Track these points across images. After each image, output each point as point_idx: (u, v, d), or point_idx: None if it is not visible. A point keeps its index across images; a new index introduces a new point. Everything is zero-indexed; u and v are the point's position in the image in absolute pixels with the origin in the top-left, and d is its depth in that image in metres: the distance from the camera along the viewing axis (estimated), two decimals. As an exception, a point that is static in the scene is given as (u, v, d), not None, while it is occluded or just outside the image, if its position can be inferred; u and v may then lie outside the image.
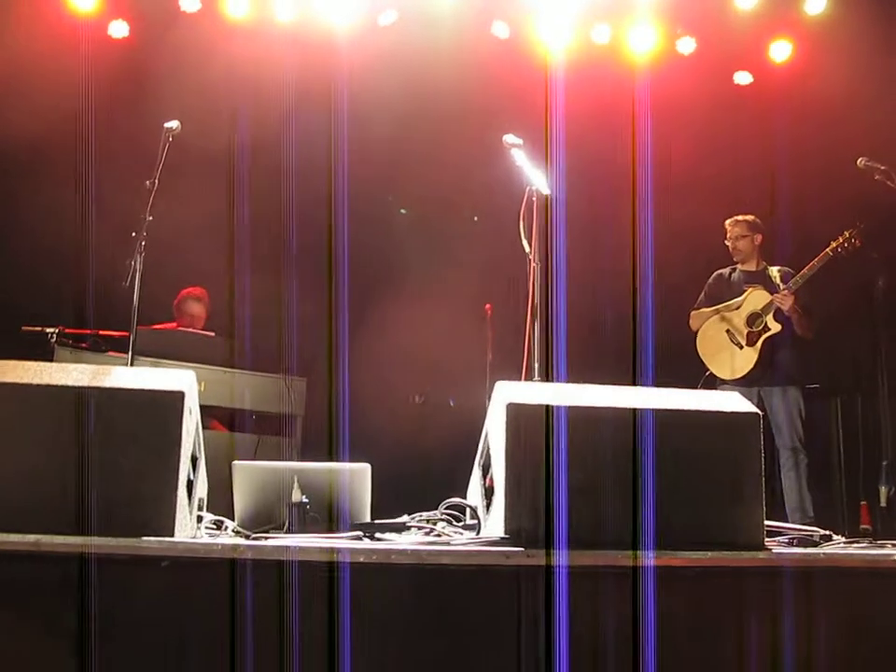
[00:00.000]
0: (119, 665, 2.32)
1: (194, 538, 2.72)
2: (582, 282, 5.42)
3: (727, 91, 6.72)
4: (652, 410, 2.67)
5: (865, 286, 5.22)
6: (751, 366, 5.41)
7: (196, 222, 5.70)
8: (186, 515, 2.65)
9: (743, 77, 6.78)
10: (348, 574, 2.36)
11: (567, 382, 3.62)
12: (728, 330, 5.54)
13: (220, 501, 3.10)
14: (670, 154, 6.19)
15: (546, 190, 4.00)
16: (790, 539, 2.98)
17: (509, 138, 4.20)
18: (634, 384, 5.20)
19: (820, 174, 5.94)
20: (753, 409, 2.78)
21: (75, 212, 5.95)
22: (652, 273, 5.80)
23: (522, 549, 2.48)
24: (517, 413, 2.61)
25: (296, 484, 2.85)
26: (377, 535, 2.78)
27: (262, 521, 2.86)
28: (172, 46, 6.09)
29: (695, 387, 5.23)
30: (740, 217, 5.69)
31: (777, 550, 2.74)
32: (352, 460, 3.13)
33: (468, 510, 3.03)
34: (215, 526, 2.95)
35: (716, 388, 5.38)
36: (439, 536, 2.83)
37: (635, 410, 2.66)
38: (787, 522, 4.21)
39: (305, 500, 2.83)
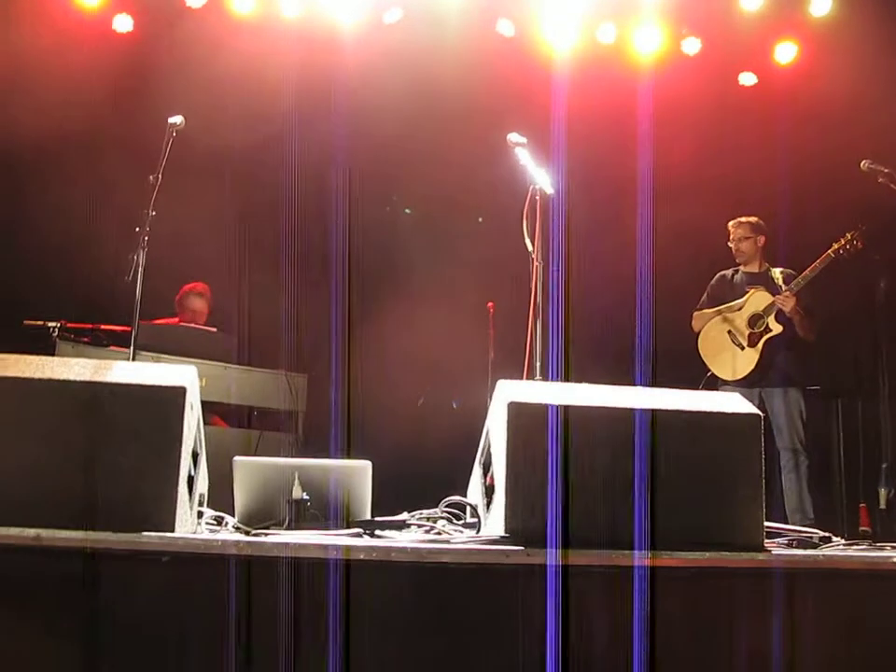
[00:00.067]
0: (118, 659, 2.32)
1: (195, 533, 2.72)
2: (585, 282, 5.43)
3: (732, 93, 6.72)
4: (653, 410, 2.67)
5: (867, 288, 5.22)
6: (752, 367, 5.41)
7: (199, 218, 5.70)
8: (186, 511, 2.65)
9: (748, 79, 6.78)
10: (348, 571, 2.36)
11: (569, 381, 3.62)
12: (730, 331, 5.54)
13: (221, 497, 3.10)
14: (674, 154, 6.18)
15: (550, 190, 4.00)
16: (789, 540, 2.99)
17: (513, 137, 4.20)
18: (635, 384, 5.20)
19: (824, 176, 5.94)
20: (754, 410, 2.79)
21: (78, 207, 5.96)
22: (655, 273, 5.80)
23: (522, 548, 2.48)
24: (518, 412, 2.62)
25: (296, 481, 2.85)
26: (377, 532, 2.78)
27: (263, 517, 2.86)
28: (176, 41, 6.09)
29: (697, 388, 5.23)
30: (743, 219, 5.69)
31: (776, 551, 2.74)
32: (353, 457, 3.12)
33: (468, 508, 3.03)
34: (215, 522, 2.95)
35: (717, 389, 5.38)
36: (439, 534, 2.83)
37: (636, 410, 2.66)
38: (787, 523, 4.22)
39: (306, 497, 2.83)
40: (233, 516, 2.95)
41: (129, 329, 4.35)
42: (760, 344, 5.42)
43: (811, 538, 3.03)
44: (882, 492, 5.05)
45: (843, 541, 3.11)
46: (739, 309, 5.54)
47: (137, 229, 4.25)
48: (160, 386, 2.57)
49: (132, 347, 4.27)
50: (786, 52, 6.60)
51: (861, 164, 4.71)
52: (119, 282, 4.25)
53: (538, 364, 3.79)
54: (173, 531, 2.48)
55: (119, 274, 4.25)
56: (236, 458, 3.00)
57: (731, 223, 5.73)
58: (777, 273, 5.54)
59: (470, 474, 3.16)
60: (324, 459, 3.23)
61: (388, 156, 6.50)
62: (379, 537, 2.75)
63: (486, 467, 2.93)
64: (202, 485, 2.97)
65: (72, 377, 2.55)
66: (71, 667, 2.32)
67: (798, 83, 6.52)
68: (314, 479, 2.91)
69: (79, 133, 5.95)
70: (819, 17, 6.41)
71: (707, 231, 5.96)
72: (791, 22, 6.52)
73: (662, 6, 6.41)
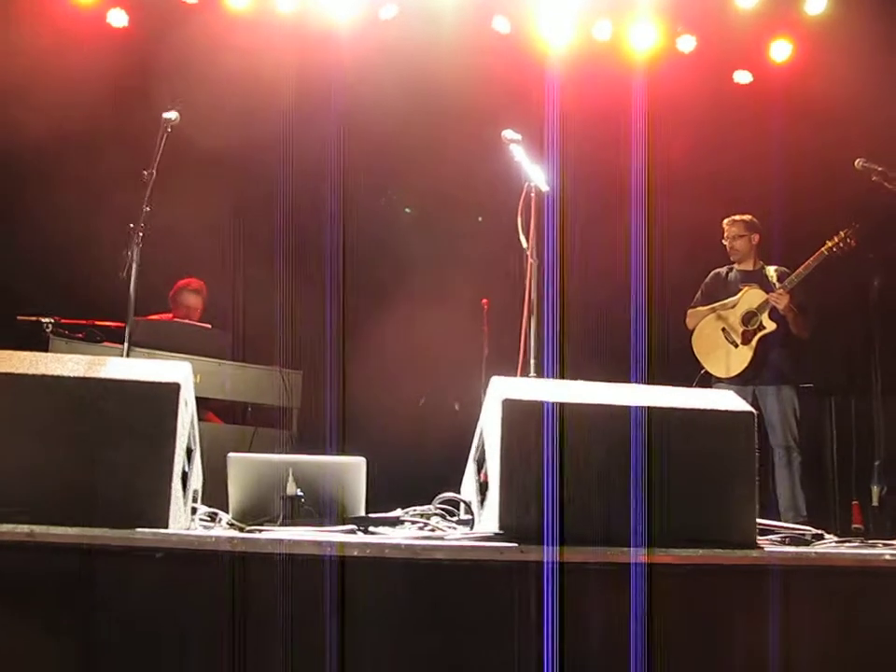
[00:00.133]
0: (112, 655, 2.32)
1: (188, 530, 2.72)
2: (579, 278, 5.44)
3: (727, 90, 6.73)
4: (647, 408, 2.67)
5: (860, 286, 5.23)
6: (746, 364, 5.42)
7: (193, 213, 5.69)
8: (180, 507, 2.65)
9: (743, 77, 6.78)
10: (342, 568, 2.36)
11: (563, 378, 3.63)
12: (724, 329, 5.55)
13: (215, 494, 3.10)
14: (668, 152, 6.19)
15: (545, 186, 4.00)
16: (782, 537, 2.99)
17: (508, 134, 4.20)
18: (629, 381, 5.21)
19: (818, 174, 5.95)
20: (747, 408, 2.79)
21: (73, 204, 5.94)
22: (649, 271, 5.80)
23: (516, 544, 2.48)
24: (513, 409, 2.62)
25: (290, 477, 2.85)
26: (371, 529, 2.78)
27: (257, 514, 2.86)
28: (171, 36, 6.07)
29: (691, 386, 5.24)
30: (737, 217, 5.70)
31: (769, 548, 2.75)
32: (347, 454, 3.12)
33: (462, 505, 3.03)
34: (209, 518, 2.95)
35: (711, 387, 5.39)
36: (433, 531, 2.84)
37: (629, 407, 2.66)
38: (780, 520, 4.23)
39: (300, 493, 2.83)
40: (227, 513, 2.95)
41: (123, 325, 4.35)
42: (753, 342, 5.43)
43: (804, 535, 3.04)
44: (875, 489, 5.06)
45: (835, 538, 3.12)
46: (733, 307, 5.55)
47: (132, 225, 4.24)
48: (154, 383, 2.56)
49: (126, 343, 4.26)
50: (781, 50, 6.61)
51: (856, 163, 4.72)
52: (113, 278, 4.24)
53: (532, 361, 3.79)
54: (167, 527, 2.47)
55: (114, 270, 4.24)
56: (230, 455, 3.00)
57: (725, 221, 5.74)
58: (771, 270, 5.55)
59: (464, 471, 3.16)
60: (318, 456, 3.23)
61: (383, 152, 6.49)
62: (373, 533, 2.75)
63: (480, 463, 2.93)
64: (196, 482, 2.97)
65: (66, 373, 2.55)
66: (65, 663, 2.32)
67: (793, 81, 6.52)
68: (308, 475, 2.91)
69: (75, 129, 5.93)
70: (814, 15, 6.42)
71: (702, 229, 5.97)
72: (786, 20, 6.53)
73: (657, 3, 6.41)
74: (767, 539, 2.94)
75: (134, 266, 4.22)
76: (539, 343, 3.82)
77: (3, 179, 6.15)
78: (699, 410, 2.76)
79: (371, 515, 2.89)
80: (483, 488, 2.86)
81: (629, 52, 6.60)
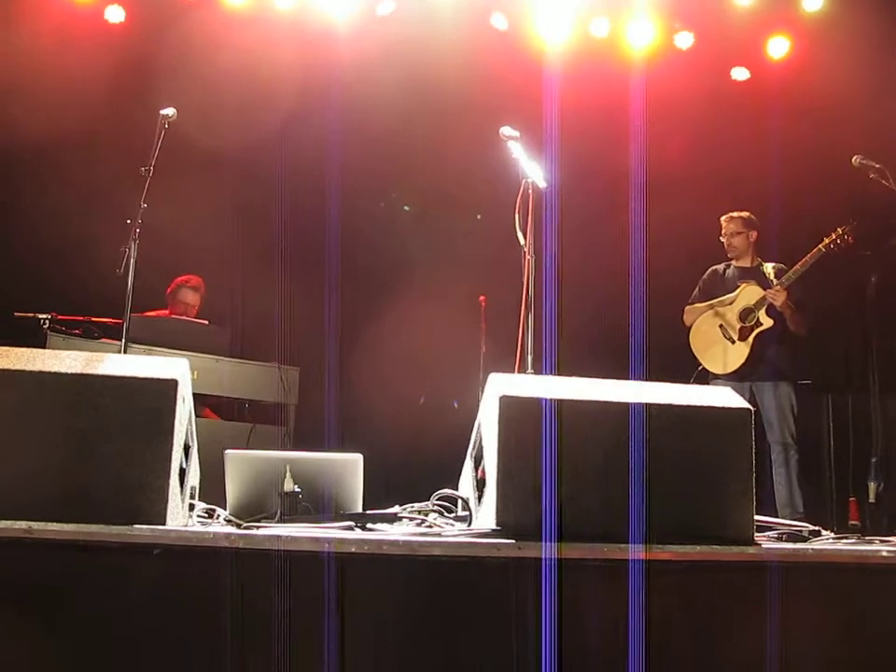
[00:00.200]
0: (109, 652, 2.32)
1: (186, 526, 2.72)
2: (577, 275, 5.43)
3: (724, 87, 6.73)
4: (645, 404, 2.67)
5: (858, 283, 5.24)
6: (743, 361, 5.42)
7: (191, 210, 5.68)
8: (178, 503, 2.65)
9: (740, 73, 6.79)
10: (339, 564, 2.37)
11: (561, 375, 3.63)
12: (721, 325, 5.55)
13: (213, 490, 3.10)
14: (666, 149, 6.19)
15: (542, 183, 4.00)
16: (779, 534, 3.00)
17: (505, 130, 4.19)
18: (627, 378, 5.21)
19: (816, 171, 5.96)
20: (745, 404, 2.79)
21: (71, 201, 5.93)
22: (647, 267, 5.80)
23: (513, 541, 2.48)
24: (510, 406, 2.62)
25: (288, 474, 2.86)
26: (369, 525, 2.79)
27: (254, 510, 2.86)
28: (168, 34, 6.06)
29: (688, 382, 5.25)
30: (735, 214, 5.70)
31: (766, 545, 2.75)
32: (345, 450, 3.12)
33: (459, 501, 3.03)
34: (206, 515, 2.95)
35: (708, 383, 5.40)
36: (430, 527, 2.84)
37: (627, 404, 2.67)
38: (777, 517, 4.23)
39: (297, 490, 2.84)
40: (225, 509, 2.95)
41: (120, 321, 4.34)
42: (751, 338, 5.44)
43: (801, 531, 3.04)
44: (871, 486, 5.08)
45: (832, 535, 3.12)
46: (731, 303, 5.55)
47: (129, 221, 4.24)
48: (151, 379, 2.56)
49: (123, 340, 4.26)
50: (778, 47, 6.61)
51: (853, 160, 4.72)
52: (110, 274, 4.24)
53: (529, 358, 3.79)
54: (164, 524, 2.47)
55: (111, 267, 4.24)
56: (228, 451, 3.00)
57: (723, 218, 5.74)
58: (768, 267, 5.55)
59: (462, 468, 3.16)
60: (315, 452, 3.23)
61: (381, 148, 6.49)
62: (370, 530, 2.75)
63: (478, 460, 2.94)
64: (193, 478, 2.97)
65: (63, 370, 2.55)
66: (62, 660, 2.32)
67: (790, 78, 6.53)
68: (305, 472, 2.91)
69: (72, 127, 5.92)
70: (812, 12, 6.42)
71: (699, 226, 5.97)
72: (784, 17, 6.53)
73: (655, 0, 6.41)
74: (765, 536, 2.94)
75: (132, 262, 4.21)
76: (536, 339, 3.82)
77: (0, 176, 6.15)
78: (697, 406, 2.76)
79: (368, 512, 2.89)
80: (480, 485, 2.86)
81: (627, 49, 6.61)
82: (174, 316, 5.75)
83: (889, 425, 5.20)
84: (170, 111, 4.34)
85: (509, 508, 2.56)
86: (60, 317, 5.20)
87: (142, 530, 2.40)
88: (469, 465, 3.06)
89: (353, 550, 2.40)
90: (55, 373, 2.53)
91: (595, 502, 2.60)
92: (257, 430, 5.24)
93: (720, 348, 5.52)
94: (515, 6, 6.49)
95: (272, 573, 2.35)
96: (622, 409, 2.66)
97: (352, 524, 2.76)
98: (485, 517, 2.68)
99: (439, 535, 2.66)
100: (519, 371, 3.82)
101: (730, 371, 5.45)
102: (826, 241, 5.32)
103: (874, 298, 5.13)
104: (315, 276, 6.32)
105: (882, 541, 3.04)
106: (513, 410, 2.62)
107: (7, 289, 5.77)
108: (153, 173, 4.25)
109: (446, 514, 3.03)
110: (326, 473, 2.97)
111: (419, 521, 2.90)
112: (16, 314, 5.24)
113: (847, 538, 3.10)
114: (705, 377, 5.53)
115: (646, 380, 3.08)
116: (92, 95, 5.90)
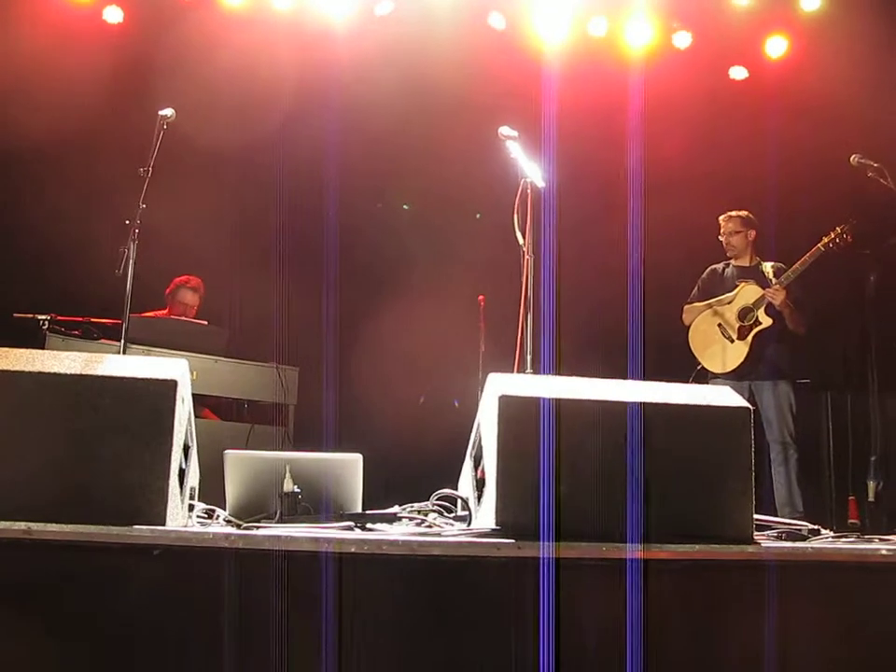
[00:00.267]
0: (109, 652, 2.32)
1: (186, 526, 2.72)
2: (576, 275, 5.43)
3: (722, 87, 6.73)
4: (644, 403, 2.68)
5: (857, 282, 5.24)
6: (742, 360, 5.43)
7: (190, 210, 5.68)
8: (177, 504, 2.65)
9: (738, 73, 6.79)
10: (339, 564, 2.37)
11: (560, 375, 3.63)
12: (720, 325, 5.55)
13: (212, 490, 3.10)
14: (664, 148, 6.19)
15: (541, 183, 4.00)
16: (778, 533, 3.00)
17: (504, 130, 4.19)
18: (626, 377, 5.22)
19: (814, 170, 5.96)
20: (744, 403, 2.80)
21: (69, 200, 5.93)
22: (646, 267, 5.81)
23: (512, 541, 2.48)
24: (510, 405, 2.62)
25: (287, 474, 2.86)
26: (368, 525, 2.79)
27: (254, 510, 2.86)
28: (166, 34, 6.06)
29: (687, 381, 5.25)
30: (734, 213, 5.70)
31: (765, 544, 2.75)
32: (345, 450, 3.13)
33: (459, 501, 3.04)
34: (206, 515, 2.95)
35: (707, 382, 5.40)
36: (430, 527, 2.84)
37: (626, 403, 2.67)
38: (776, 516, 4.23)
39: (297, 490, 2.84)
40: (224, 509, 2.96)
41: (119, 322, 4.34)
42: (750, 337, 5.44)
43: (800, 530, 3.04)
44: (871, 484, 5.08)
45: (832, 534, 3.12)
46: (729, 302, 5.56)
47: (128, 221, 4.24)
48: (150, 380, 2.56)
49: (122, 340, 4.26)
50: (777, 47, 6.61)
51: (852, 159, 4.72)
52: (109, 275, 4.24)
53: (528, 357, 3.79)
54: (164, 524, 2.47)
55: (110, 267, 4.23)
56: (227, 451, 3.00)
57: (721, 217, 5.74)
58: (767, 266, 5.55)
59: (461, 467, 3.17)
60: (315, 452, 3.23)
61: (380, 148, 6.49)
62: (370, 530, 2.76)
63: (477, 460, 2.94)
64: (193, 479, 2.97)
65: (62, 370, 2.55)
66: (63, 661, 2.31)
67: (789, 77, 6.53)
68: (305, 472, 2.91)
69: (70, 127, 5.92)
70: (810, 11, 6.42)
71: (698, 225, 5.97)
72: (782, 17, 6.53)
73: (653, -1, 6.43)
74: (764, 535, 2.95)
75: (131, 263, 4.21)
76: (535, 339, 3.82)
77: (-1, 177, 6.15)
78: (696, 405, 2.76)
79: (368, 512, 2.89)
80: (480, 484, 2.86)
81: (625, 48, 6.61)
82: (173, 317, 5.75)
83: (888, 423, 5.20)
84: (168, 112, 4.34)
85: (508, 507, 2.56)
86: (59, 318, 5.20)
87: (142, 531, 2.40)
88: (468, 465, 3.06)
89: (352, 550, 2.40)
90: (54, 374, 2.53)
91: (594, 501, 2.60)
92: (256, 431, 5.24)
93: (718, 347, 5.52)
94: (513, 5, 6.49)
95: (271, 573, 2.35)
96: (621, 408, 2.66)
97: (351, 524, 2.76)
98: (485, 517, 2.69)
99: (438, 535, 2.66)
100: (518, 371, 3.82)
101: (729, 370, 5.45)
102: (825, 240, 5.32)
103: (872, 297, 5.13)
104: (313, 276, 6.32)
105: (881, 540, 3.04)
106: (513, 409, 2.62)
107: (6, 290, 5.77)
108: (152, 173, 4.25)
109: (446, 514, 3.03)
110: (325, 473, 2.97)
111: (419, 521, 2.90)
112: (15, 314, 5.24)
113: (846, 536, 3.10)
114: (704, 376, 5.54)
115: (645, 379, 3.08)
116: (91, 96, 5.89)
